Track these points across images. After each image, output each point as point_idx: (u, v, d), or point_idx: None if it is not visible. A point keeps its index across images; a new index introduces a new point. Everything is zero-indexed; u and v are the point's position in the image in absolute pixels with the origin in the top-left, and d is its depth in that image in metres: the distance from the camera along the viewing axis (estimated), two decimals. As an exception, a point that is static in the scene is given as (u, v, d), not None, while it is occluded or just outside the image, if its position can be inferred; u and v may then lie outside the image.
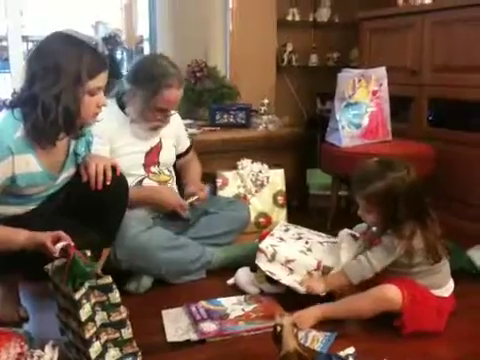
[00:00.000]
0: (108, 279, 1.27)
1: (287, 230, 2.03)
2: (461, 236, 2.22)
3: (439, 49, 2.71)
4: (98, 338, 1.24)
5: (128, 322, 1.30)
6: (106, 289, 1.27)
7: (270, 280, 1.87)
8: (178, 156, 2.27)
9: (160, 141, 2.11)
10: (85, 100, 1.47)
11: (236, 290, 1.89)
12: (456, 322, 1.63)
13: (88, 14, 3.32)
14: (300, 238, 1.97)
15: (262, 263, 1.85)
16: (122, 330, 1.29)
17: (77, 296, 1.21)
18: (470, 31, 2.52)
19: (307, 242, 1.93)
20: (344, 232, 1.86)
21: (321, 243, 1.93)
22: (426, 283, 1.61)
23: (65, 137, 1.56)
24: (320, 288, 1.67)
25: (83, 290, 1.22)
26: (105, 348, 1.25)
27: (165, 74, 1.93)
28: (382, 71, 2.61)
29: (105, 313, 1.27)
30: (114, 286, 1.29)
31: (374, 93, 2.59)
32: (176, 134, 2.21)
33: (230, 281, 1.95)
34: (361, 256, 1.64)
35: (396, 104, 2.69)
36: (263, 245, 1.87)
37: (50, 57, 1.42)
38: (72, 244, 1.34)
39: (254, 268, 1.95)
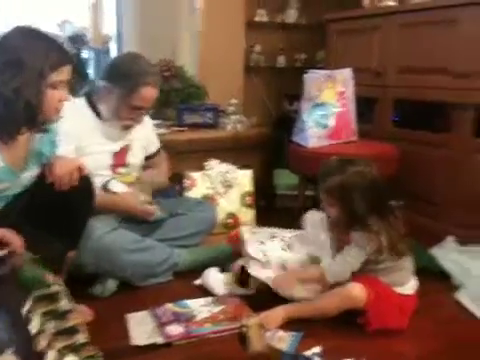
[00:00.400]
0: (56, 287, 1.23)
1: (255, 233, 2.04)
2: (424, 234, 2.27)
3: (403, 51, 2.75)
4: (52, 347, 1.20)
5: (82, 327, 1.27)
6: (55, 297, 1.23)
7: (239, 282, 1.88)
8: (148, 157, 2.25)
9: (130, 142, 2.09)
10: (47, 94, 1.45)
11: (203, 291, 1.87)
12: (419, 320, 1.67)
13: (54, 12, 3.26)
14: (273, 237, 1.99)
15: (256, 271, 1.81)
16: (76, 335, 1.25)
17: (23, 311, 1.17)
18: (433, 33, 2.57)
19: (282, 240, 1.96)
20: (308, 217, 1.91)
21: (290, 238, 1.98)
22: (389, 280, 1.64)
23: (27, 132, 1.53)
24: (287, 292, 1.72)
25: (29, 303, 1.19)
26: (62, 355, 1.22)
27: (143, 72, 1.93)
28: (348, 72, 2.64)
29: (56, 321, 1.22)
30: (63, 294, 1.25)
31: (340, 94, 2.62)
32: (146, 136, 2.20)
33: (197, 282, 1.94)
34: (338, 258, 1.67)
35: (362, 105, 2.72)
36: (253, 253, 1.85)
37: (12, 51, 1.40)
38: (20, 251, 1.31)
39: (223, 269, 1.95)
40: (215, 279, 1.90)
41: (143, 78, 1.92)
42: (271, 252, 1.87)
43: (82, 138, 1.94)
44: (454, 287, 1.94)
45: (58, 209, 1.56)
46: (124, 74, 1.93)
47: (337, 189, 1.64)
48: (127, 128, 2.04)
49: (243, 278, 1.88)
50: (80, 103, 1.99)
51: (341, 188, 1.63)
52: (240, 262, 1.92)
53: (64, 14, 3.31)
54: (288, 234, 2.02)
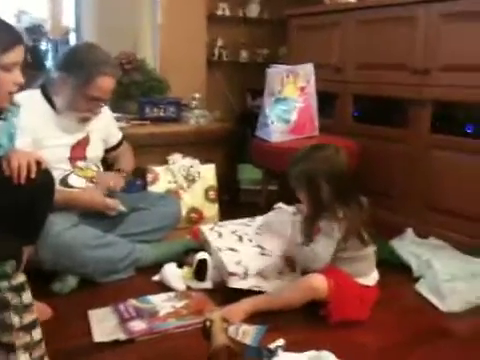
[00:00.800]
0: (22, 278, 1.18)
1: (220, 234, 2.04)
2: (383, 227, 2.30)
3: (362, 47, 2.80)
4: (15, 344, 1.16)
5: (38, 322, 1.22)
6: (19, 289, 1.17)
7: (197, 276, 1.87)
8: (110, 149, 2.21)
9: (88, 135, 2.04)
10: None
11: (165, 286, 1.85)
12: (380, 311, 1.69)
13: (10, 2, 3.14)
14: (240, 238, 2.00)
15: (237, 284, 1.78)
16: (32, 332, 1.19)
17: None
18: (391, 30, 2.62)
19: (251, 240, 1.98)
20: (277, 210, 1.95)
21: (259, 234, 2.01)
22: (351, 270, 1.66)
23: None
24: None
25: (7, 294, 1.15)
26: (18, 352, 1.17)
27: (99, 61, 1.88)
28: (309, 67, 2.66)
29: (18, 316, 1.17)
30: (27, 285, 1.19)
31: (302, 89, 2.64)
32: (106, 128, 2.15)
33: (155, 278, 1.92)
34: (308, 248, 1.68)
35: (322, 100, 2.75)
36: (231, 268, 1.80)
37: None
38: None
39: (180, 264, 1.94)
40: (173, 274, 1.88)
41: (99, 67, 1.87)
42: (246, 260, 1.84)
43: (38, 131, 1.88)
44: (414, 279, 1.98)
45: (15, 203, 1.51)
46: (80, 63, 1.87)
47: (302, 175, 1.66)
48: (85, 120, 1.98)
49: (200, 272, 1.87)
50: (35, 95, 1.93)
51: (306, 174, 1.65)
52: (198, 256, 1.90)
53: (21, 4, 3.20)
54: (251, 229, 2.02)
